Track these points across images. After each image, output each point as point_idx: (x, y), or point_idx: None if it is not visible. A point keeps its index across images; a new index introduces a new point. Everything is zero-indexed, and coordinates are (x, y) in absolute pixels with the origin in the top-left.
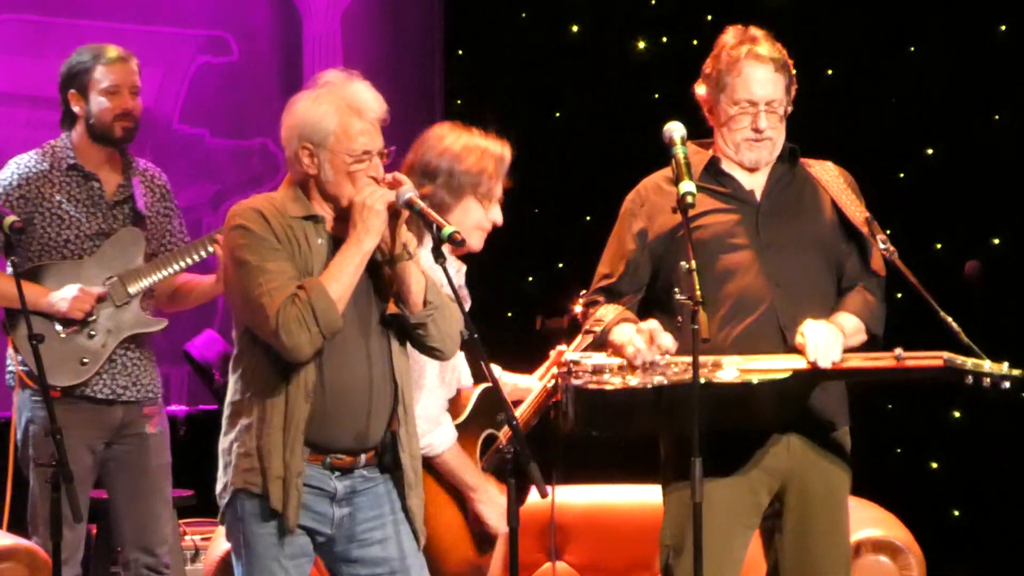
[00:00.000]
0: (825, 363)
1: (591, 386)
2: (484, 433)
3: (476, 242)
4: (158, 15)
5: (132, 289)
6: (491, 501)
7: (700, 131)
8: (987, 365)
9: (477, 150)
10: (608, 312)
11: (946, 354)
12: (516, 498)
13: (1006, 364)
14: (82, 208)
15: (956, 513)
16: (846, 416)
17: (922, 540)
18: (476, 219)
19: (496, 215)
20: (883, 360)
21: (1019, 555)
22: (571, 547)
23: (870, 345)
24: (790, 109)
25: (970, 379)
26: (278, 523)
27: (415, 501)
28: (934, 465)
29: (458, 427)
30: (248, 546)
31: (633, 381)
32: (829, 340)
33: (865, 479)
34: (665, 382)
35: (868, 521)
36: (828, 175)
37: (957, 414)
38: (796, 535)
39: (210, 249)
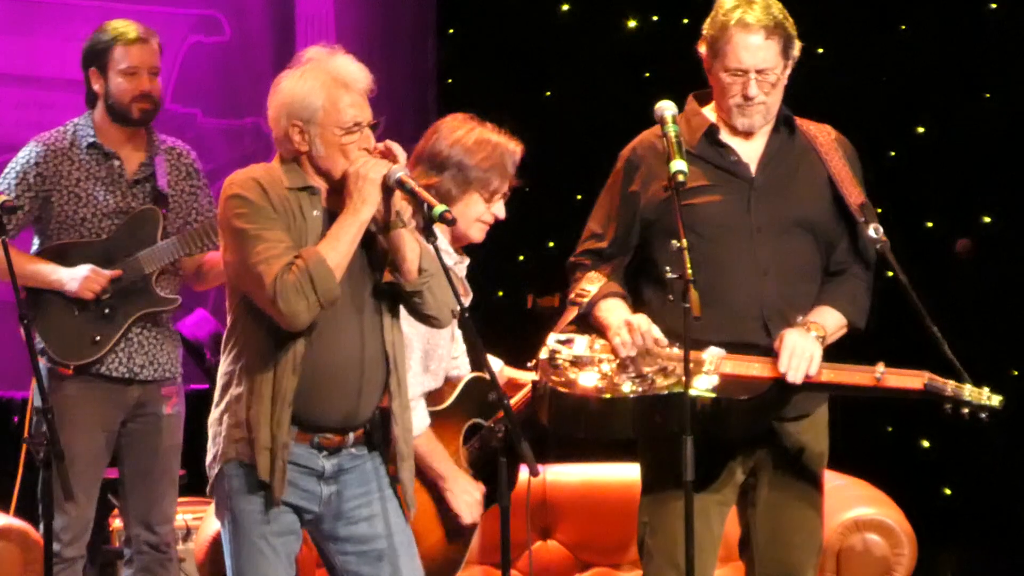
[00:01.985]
0: (795, 379)
1: (565, 389)
2: (469, 422)
3: (477, 234)
4: None
5: (147, 268)
6: (462, 492)
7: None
8: (967, 391)
9: (489, 145)
10: (594, 282)
11: (927, 376)
12: (507, 478)
13: (986, 391)
14: (101, 186)
15: (947, 491)
16: (824, 395)
17: (913, 518)
18: (478, 212)
19: (499, 210)
20: (863, 377)
21: (1009, 533)
22: (563, 526)
23: (851, 338)
24: (786, 74)
25: (949, 407)
26: (265, 498)
27: (406, 474)
28: (925, 443)
29: (441, 412)
30: (235, 522)
31: (608, 384)
32: (805, 354)
33: (856, 458)
34: (639, 389)
35: (859, 500)
36: (827, 144)
37: (947, 407)
38: (769, 508)
39: None
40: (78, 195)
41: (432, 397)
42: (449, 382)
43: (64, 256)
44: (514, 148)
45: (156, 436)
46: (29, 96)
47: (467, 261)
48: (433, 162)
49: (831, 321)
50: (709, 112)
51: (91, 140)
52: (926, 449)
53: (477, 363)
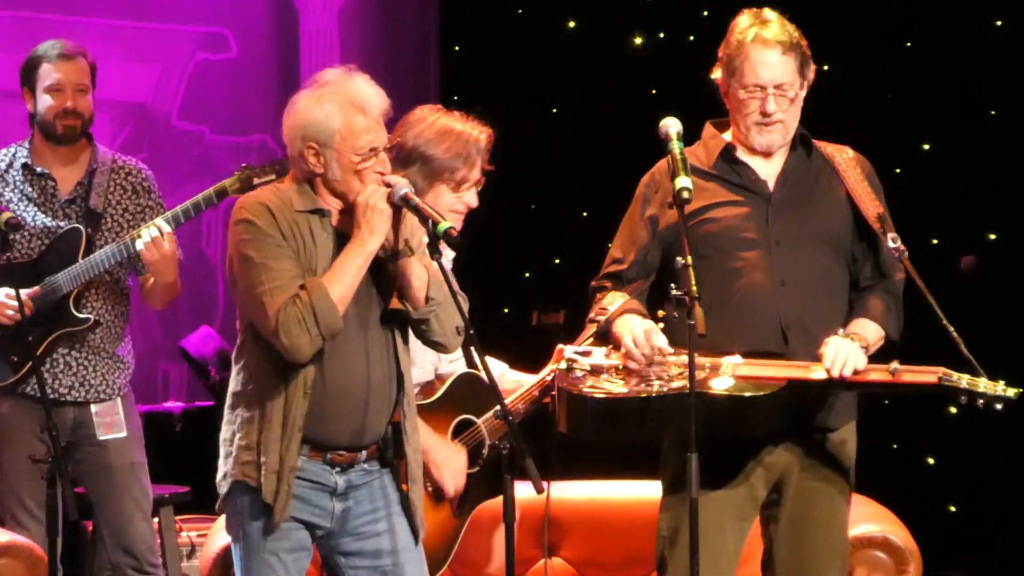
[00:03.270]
0: (836, 374)
1: (584, 390)
2: (458, 417)
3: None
4: (156, 11)
5: (65, 288)
6: (444, 462)
7: (697, 125)
8: (982, 384)
9: (452, 135)
10: (613, 301)
11: (941, 370)
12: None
13: (1002, 383)
14: (32, 207)
15: (953, 509)
16: (853, 413)
17: (919, 536)
18: (448, 203)
19: (472, 199)
20: (878, 373)
21: (1016, 551)
22: (567, 543)
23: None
24: (803, 94)
25: (964, 399)
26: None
27: (416, 495)
28: (931, 461)
29: (430, 406)
30: (247, 538)
31: (626, 388)
32: (851, 356)
33: (862, 475)
34: (661, 389)
35: (865, 517)
36: (845, 163)
37: (954, 409)
38: (792, 525)
39: (138, 245)
40: None
41: (421, 392)
42: (440, 378)
43: None
44: (479, 135)
45: (104, 458)
46: None
47: (452, 254)
48: (399, 156)
49: (871, 333)
50: (727, 136)
51: (24, 161)
52: (932, 466)
53: (475, 364)
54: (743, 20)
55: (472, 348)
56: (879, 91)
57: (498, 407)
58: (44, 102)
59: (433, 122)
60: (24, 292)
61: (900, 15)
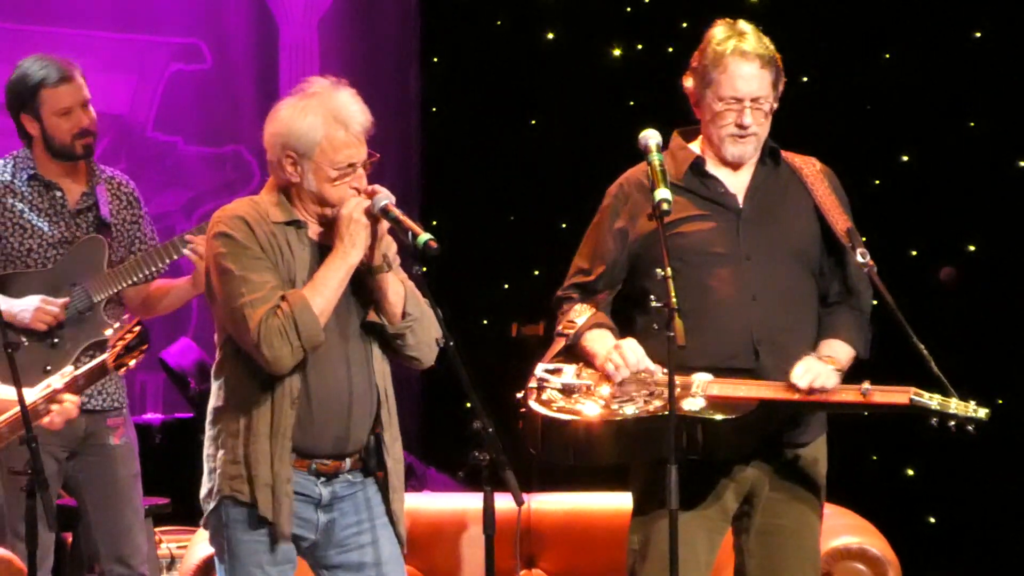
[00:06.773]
0: (814, 385)
1: (555, 414)
2: None
3: None
4: (132, 23)
5: (96, 297)
6: None
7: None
8: (953, 405)
9: None
10: (581, 314)
11: (912, 391)
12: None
13: (972, 404)
14: (44, 217)
15: (932, 520)
16: (823, 427)
17: (898, 547)
18: None
19: None
20: (849, 394)
21: (994, 562)
22: (547, 554)
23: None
24: (776, 105)
25: (935, 421)
26: (263, 531)
27: (398, 505)
28: (910, 472)
29: None
30: (232, 552)
31: (597, 410)
32: (821, 375)
33: (841, 486)
34: (636, 412)
35: (844, 528)
36: (813, 175)
37: (933, 420)
38: (762, 536)
39: (183, 251)
40: (23, 227)
41: None
42: None
43: (8, 286)
44: None
45: (111, 467)
46: (11, 125)
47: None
48: None
49: (843, 354)
50: (695, 147)
51: (31, 172)
52: (911, 477)
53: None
54: (720, 31)
55: (454, 362)
56: (858, 102)
57: (479, 423)
58: (57, 126)
59: None
60: (58, 301)
61: (879, 26)
